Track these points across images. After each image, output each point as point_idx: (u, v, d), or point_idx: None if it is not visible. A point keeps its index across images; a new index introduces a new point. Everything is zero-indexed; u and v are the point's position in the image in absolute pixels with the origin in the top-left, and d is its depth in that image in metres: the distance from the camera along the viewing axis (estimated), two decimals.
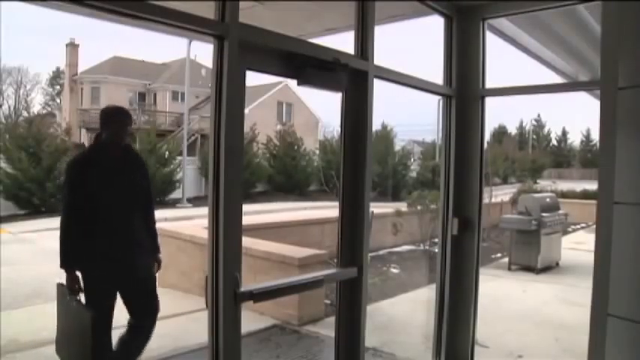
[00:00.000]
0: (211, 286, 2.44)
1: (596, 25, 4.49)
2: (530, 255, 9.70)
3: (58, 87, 42.73)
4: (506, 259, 10.32)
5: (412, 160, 33.18)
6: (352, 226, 3.21)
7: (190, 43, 22.96)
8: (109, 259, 3.48)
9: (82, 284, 3.55)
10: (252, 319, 6.04)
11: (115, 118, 3.65)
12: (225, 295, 2.41)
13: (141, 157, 4.15)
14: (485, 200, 5.06)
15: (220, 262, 2.41)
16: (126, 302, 3.71)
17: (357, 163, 3.22)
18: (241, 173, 2.59)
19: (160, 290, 7.98)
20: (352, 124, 3.21)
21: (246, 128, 25.61)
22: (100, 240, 3.50)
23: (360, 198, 3.22)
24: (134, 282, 3.70)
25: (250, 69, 2.60)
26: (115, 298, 3.63)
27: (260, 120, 27.83)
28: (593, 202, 3.15)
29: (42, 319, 6.27)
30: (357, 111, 3.20)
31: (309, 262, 6.06)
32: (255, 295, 2.58)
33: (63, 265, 3.59)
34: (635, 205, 2.97)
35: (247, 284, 2.56)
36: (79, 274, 3.56)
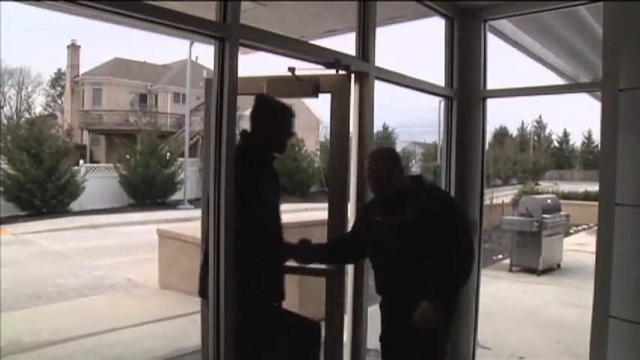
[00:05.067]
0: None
1: (598, 27, 4.49)
2: (531, 256, 9.69)
3: (59, 88, 42.85)
4: (507, 261, 10.32)
5: (413, 161, 33.23)
6: (340, 227, 3.15)
7: (192, 44, 23.01)
8: None
9: None
10: None
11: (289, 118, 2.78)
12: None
13: None
14: (487, 202, 5.05)
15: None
16: None
17: (348, 166, 3.21)
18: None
19: (161, 292, 8.04)
20: (345, 126, 3.17)
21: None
22: None
23: (361, 199, 3.21)
24: None
25: None
26: None
27: None
28: (595, 203, 3.15)
29: (43, 321, 6.29)
30: (346, 113, 3.17)
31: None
32: None
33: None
34: (636, 206, 2.97)
35: None
36: None
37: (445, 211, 2.70)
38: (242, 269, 2.44)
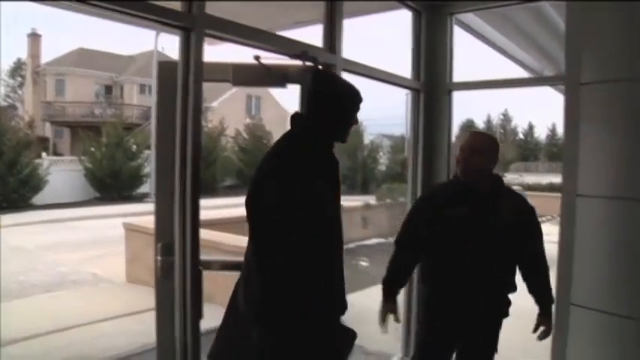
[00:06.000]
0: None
1: (562, 22, 4.57)
2: None
3: (19, 79, 41.61)
4: None
5: (381, 153, 33.40)
6: None
7: (158, 35, 22.61)
8: None
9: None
10: (221, 314, 6.01)
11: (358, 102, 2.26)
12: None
13: None
14: None
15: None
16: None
17: None
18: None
19: (128, 286, 7.93)
20: None
21: (215, 122, 25.52)
22: None
23: None
24: None
25: None
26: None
27: (229, 113, 27.66)
28: (559, 195, 3.22)
29: (5, 318, 6.14)
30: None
31: None
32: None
33: None
34: (597, 197, 3.04)
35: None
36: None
37: (535, 219, 2.70)
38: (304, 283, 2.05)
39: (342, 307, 2.22)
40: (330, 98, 2.16)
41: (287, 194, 2.01)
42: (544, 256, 2.72)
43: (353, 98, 2.22)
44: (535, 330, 2.71)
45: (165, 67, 2.60)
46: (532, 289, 2.72)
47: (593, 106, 3.18)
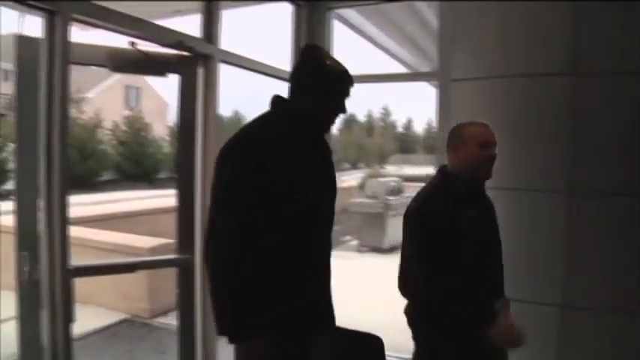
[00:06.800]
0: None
1: (435, 21, 4.81)
2: (377, 236, 10.23)
3: None
4: (356, 242, 10.78)
5: None
6: (188, 214, 3.07)
7: (23, 16, 20.93)
8: None
9: None
10: (100, 315, 5.72)
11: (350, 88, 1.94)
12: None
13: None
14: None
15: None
16: None
17: (195, 151, 3.10)
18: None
19: None
20: (192, 110, 3.07)
21: (91, 113, 24.12)
22: None
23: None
24: None
25: None
26: None
27: (106, 105, 26.27)
28: None
29: None
30: (192, 97, 3.06)
31: (159, 252, 5.83)
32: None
33: None
34: None
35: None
36: None
37: None
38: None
39: (328, 317, 2.05)
40: (315, 77, 1.85)
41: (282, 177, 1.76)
42: None
43: (341, 81, 1.90)
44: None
45: (26, 44, 2.35)
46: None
47: (463, 101, 3.37)
